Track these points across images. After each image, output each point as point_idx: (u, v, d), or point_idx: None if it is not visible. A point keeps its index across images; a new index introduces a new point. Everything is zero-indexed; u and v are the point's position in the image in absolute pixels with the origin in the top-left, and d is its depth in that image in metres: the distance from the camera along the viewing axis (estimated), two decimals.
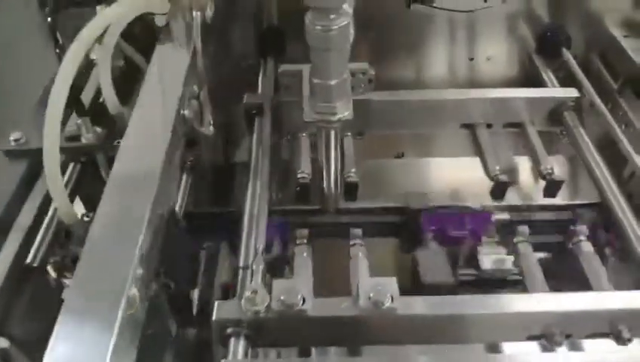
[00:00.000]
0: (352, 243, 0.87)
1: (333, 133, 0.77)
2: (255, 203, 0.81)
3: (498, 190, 0.95)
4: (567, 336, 0.69)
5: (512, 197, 0.98)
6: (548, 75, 1.14)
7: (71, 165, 0.87)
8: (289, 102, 0.97)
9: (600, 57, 1.15)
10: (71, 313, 0.49)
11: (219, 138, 1.05)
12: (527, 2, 1.14)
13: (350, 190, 0.92)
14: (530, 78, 1.20)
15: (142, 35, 0.90)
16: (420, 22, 1.15)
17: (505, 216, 0.92)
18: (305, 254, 0.85)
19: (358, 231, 0.88)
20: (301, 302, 0.64)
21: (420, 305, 0.67)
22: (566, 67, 1.12)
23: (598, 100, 0.99)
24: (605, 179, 0.90)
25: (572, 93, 1.03)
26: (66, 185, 0.84)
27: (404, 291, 0.65)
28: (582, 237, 0.87)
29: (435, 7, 1.09)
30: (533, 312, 0.68)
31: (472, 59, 1.20)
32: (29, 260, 0.71)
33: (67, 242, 0.72)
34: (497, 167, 0.96)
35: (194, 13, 0.69)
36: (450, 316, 0.68)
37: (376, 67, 1.15)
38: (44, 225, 0.75)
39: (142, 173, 0.63)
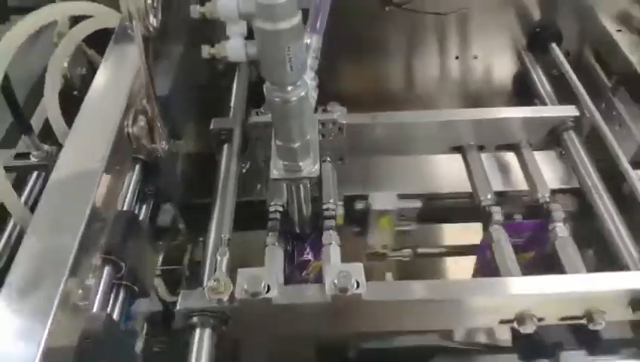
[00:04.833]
0: (325, 231, 0.80)
1: (302, 186, 0.75)
2: (224, 194, 0.80)
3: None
4: (540, 320, 0.68)
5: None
6: (537, 74, 1.08)
7: (35, 173, 0.83)
8: (262, 126, 0.88)
9: (594, 53, 1.09)
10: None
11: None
12: None
13: None
14: (519, 77, 1.15)
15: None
16: (401, 20, 1.09)
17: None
18: (276, 243, 0.79)
19: (331, 223, 0.80)
20: (265, 290, 0.63)
21: (385, 291, 0.67)
22: (558, 65, 1.05)
23: (597, 116, 0.90)
24: (609, 213, 0.82)
25: (571, 111, 0.92)
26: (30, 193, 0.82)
27: None
28: (558, 223, 0.81)
29: (410, 10, 1.02)
30: (505, 296, 0.68)
31: (457, 58, 1.15)
32: None
33: None
34: (489, 196, 0.87)
35: (134, 22, 0.63)
36: (418, 301, 0.67)
37: (356, 67, 1.16)
38: None
39: (74, 198, 0.58)
